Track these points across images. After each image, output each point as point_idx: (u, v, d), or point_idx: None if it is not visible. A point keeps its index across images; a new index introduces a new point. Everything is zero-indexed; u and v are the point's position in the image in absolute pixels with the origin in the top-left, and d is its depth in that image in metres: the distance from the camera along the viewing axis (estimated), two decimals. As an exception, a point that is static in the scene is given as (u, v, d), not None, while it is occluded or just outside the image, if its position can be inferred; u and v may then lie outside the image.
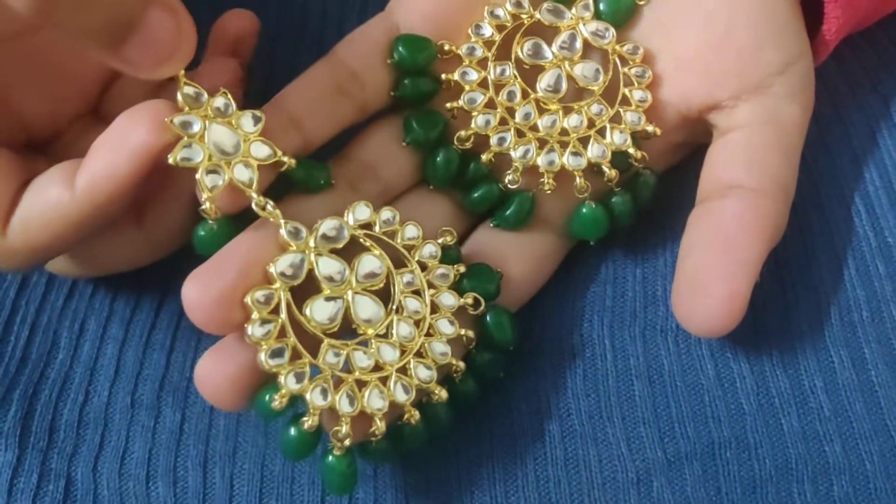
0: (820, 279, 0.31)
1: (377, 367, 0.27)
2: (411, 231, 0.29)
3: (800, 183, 0.31)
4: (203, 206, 0.27)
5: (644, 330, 0.31)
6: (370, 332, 0.27)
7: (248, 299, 0.26)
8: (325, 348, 0.27)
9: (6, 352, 0.31)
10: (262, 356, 0.26)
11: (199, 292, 0.26)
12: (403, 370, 0.27)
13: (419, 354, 0.28)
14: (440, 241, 0.29)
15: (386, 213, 0.29)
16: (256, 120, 0.28)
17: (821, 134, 0.34)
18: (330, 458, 0.27)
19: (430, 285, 0.29)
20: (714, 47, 0.30)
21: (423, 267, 0.29)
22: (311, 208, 0.29)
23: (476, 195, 0.31)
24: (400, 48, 0.30)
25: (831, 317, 0.30)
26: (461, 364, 0.28)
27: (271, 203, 0.27)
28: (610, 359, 0.30)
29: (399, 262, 0.29)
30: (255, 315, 0.26)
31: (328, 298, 0.27)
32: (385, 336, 0.27)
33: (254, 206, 0.27)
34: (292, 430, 0.26)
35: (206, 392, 0.26)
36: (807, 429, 0.29)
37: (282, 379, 0.26)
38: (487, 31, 0.31)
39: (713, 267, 0.28)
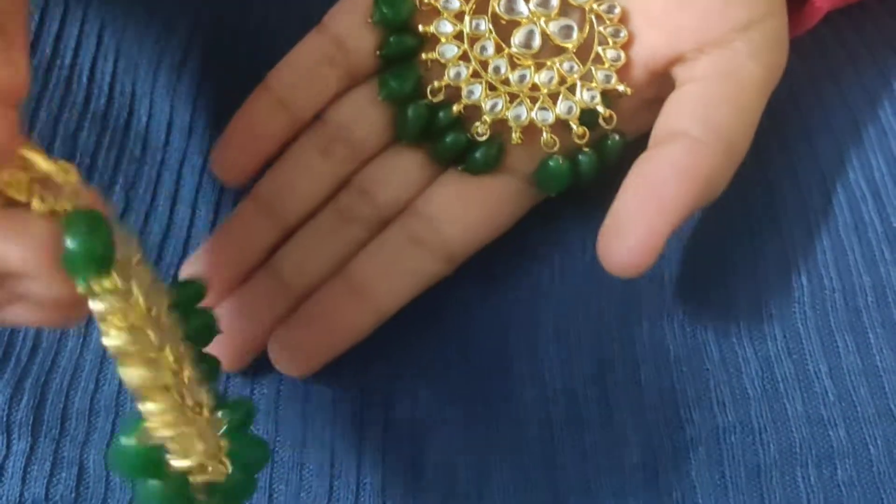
0: (826, 264, 0.31)
1: None
2: None
3: (800, 166, 0.31)
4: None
5: (651, 314, 0.31)
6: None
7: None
8: None
9: (17, 341, 0.31)
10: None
11: None
12: None
13: None
14: None
15: None
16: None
17: (826, 117, 0.33)
18: None
19: None
20: (682, 2, 0.30)
21: None
22: (288, 181, 0.30)
23: (444, 143, 0.31)
24: (381, 7, 0.31)
25: (836, 301, 0.30)
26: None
27: None
28: (617, 344, 0.31)
29: None
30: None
31: None
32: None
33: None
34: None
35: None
36: (811, 413, 0.29)
37: None
38: None
39: (636, 207, 0.28)
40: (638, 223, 0.28)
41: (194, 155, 0.34)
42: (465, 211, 0.31)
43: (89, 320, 0.32)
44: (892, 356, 0.29)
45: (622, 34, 0.31)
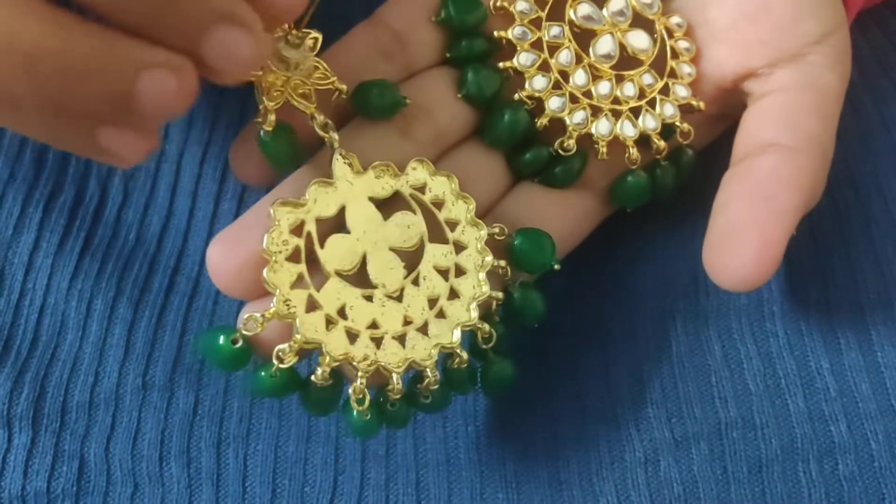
0: (828, 262, 0.31)
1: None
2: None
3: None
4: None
5: (654, 311, 0.31)
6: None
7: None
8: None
9: (17, 335, 0.31)
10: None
11: (223, 258, 0.25)
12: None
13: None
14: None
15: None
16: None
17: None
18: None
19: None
20: (750, 17, 0.30)
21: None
22: (362, 146, 0.28)
23: (527, 157, 0.30)
24: (449, 6, 0.29)
25: (839, 298, 0.30)
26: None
27: (333, 128, 0.27)
28: (620, 340, 0.31)
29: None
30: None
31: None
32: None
33: (315, 125, 0.27)
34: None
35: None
36: (813, 409, 0.29)
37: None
38: None
39: (747, 217, 0.28)
40: (751, 234, 0.27)
41: (194, 145, 0.34)
42: (551, 221, 0.29)
43: (87, 311, 0.32)
44: (893, 353, 0.29)
45: (693, 49, 0.31)
